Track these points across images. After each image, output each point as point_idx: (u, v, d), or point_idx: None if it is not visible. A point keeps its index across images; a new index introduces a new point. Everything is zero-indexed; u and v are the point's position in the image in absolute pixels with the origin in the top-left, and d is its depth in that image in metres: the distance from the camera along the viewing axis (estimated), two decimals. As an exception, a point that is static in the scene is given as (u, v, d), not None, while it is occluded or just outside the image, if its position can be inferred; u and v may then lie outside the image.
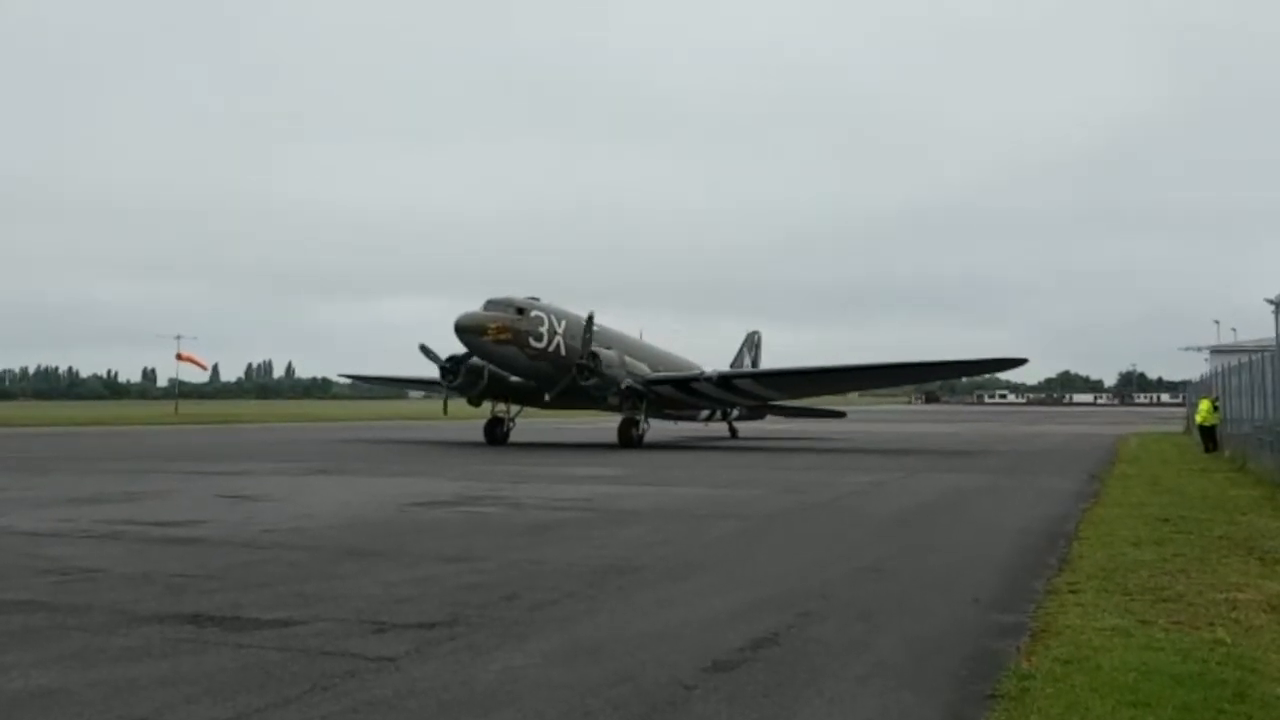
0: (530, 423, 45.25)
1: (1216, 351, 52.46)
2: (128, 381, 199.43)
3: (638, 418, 32.35)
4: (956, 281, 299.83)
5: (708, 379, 33.71)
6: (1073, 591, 8.30)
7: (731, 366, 42.38)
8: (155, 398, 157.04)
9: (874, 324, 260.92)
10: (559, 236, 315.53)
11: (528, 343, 30.88)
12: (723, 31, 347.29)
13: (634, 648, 6.56)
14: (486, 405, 34.07)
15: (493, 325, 30.31)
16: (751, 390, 35.34)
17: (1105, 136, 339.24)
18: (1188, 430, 45.37)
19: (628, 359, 32.38)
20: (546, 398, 32.32)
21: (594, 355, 30.96)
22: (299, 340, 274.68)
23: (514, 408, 34.38)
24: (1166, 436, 41.71)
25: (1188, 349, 61.10)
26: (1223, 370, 30.79)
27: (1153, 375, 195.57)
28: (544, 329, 31.29)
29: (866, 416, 77.46)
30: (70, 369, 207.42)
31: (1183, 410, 59.75)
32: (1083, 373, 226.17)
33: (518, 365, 31.22)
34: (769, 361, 44.82)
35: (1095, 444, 36.38)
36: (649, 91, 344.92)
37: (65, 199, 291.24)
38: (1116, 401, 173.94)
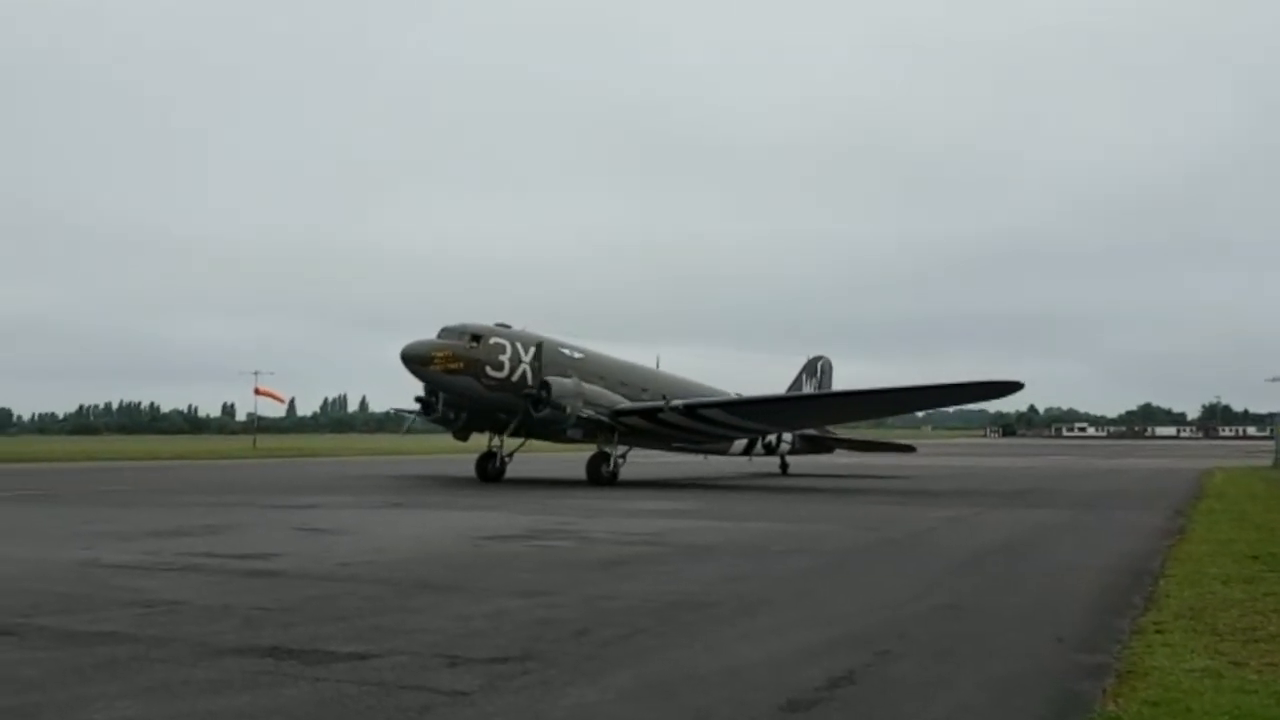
0: (553, 457, 44.26)
1: (1305, 383, 50.86)
2: (207, 416, 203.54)
3: (609, 452, 30.33)
4: (1033, 315, 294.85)
5: (673, 408, 31.04)
6: (1159, 631, 8.05)
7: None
8: (234, 432, 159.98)
9: (947, 357, 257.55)
10: (630, 276, 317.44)
11: (484, 372, 28.98)
12: (789, 74, 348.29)
13: (707, 685, 6.50)
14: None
15: (439, 354, 28.76)
16: (724, 420, 32.59)
17: (1185, 168, 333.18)
18: (1276, 464, 44.01)
19: (588, 388, 29.97)
20: (508, 432, 30.66)
21: (544, 384, 29.07)
22: (374, 375, 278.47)
23: (509, 441, 32.03)
24: (1254, 471, 40.40)
25: (1275, 380, 59.35)
26: (1313, 402, 29.71)
27: (1238, 407, 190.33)
28: (504, 357, 29.43)
29: (940, 450, 76.34)
30: (152, 404, 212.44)
31: (1271, 444, 57.81)
32: (1164, 405, 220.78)
33: (475, 396, 29.43)
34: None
35: (1179, 478, 35.41)
36: (716, 134, 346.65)
37: (147, 239, 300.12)
38: (1200, 435, 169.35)
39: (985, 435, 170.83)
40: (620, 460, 30.87)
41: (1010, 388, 30.24)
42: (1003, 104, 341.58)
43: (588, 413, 29.52)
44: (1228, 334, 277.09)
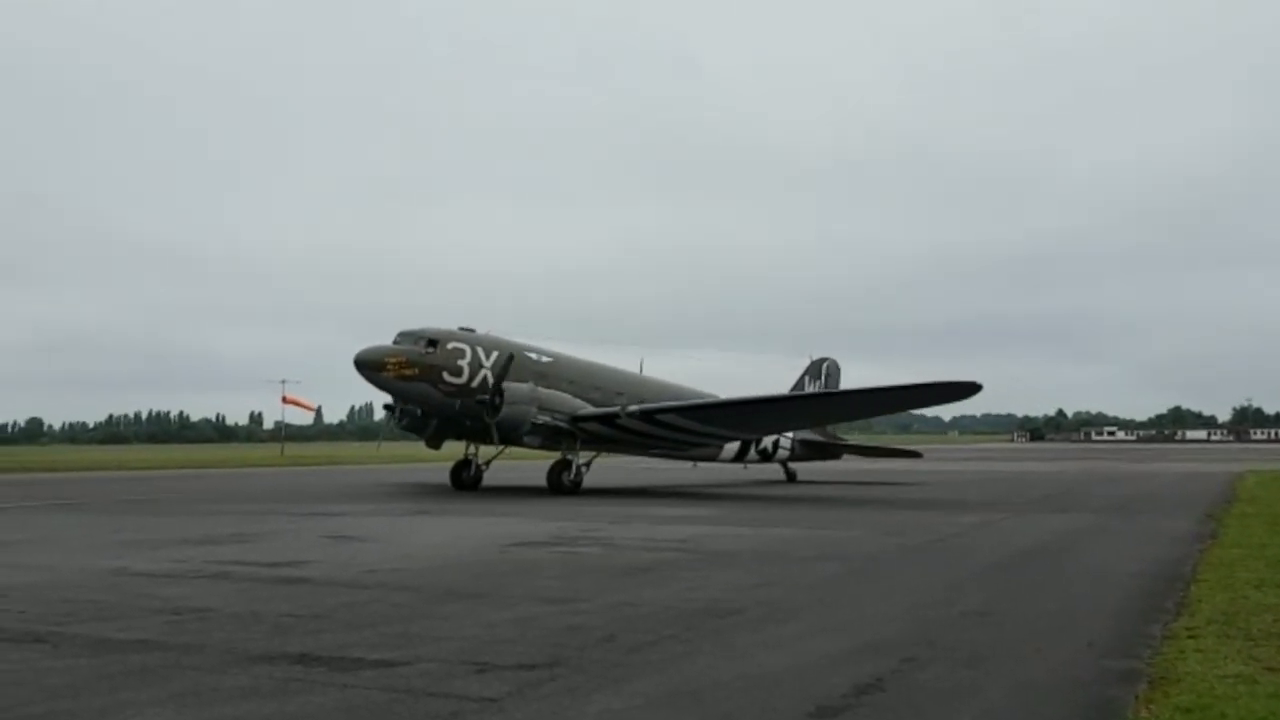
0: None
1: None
2: (235, 424, 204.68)
3: (570, 459, 29.11)
4: (1062, 319, 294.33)
5: (630, 414, 29.67)
6: (1192, 637, 7.97)
7: None
8: (262, 440, 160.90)
9: (976, 361, 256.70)
10: (666, 285, 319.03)
11: (441, 378, 28.11)
12: (798, 77, 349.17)
13: (733, 692, 6.49)
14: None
15: (393, 360, 28.11)
16: (679, 424, 30.85)
17: (1214, 169, 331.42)
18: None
19: (545, 392, 28.72)
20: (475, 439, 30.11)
21: (498, 389, 27.96)
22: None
23: (487, 449, 30.90)
24: (1287, 474, 39.93)
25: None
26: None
27: (1270, 410, 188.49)
28: (464, 362, 28.58)
29: (967, 455, 75.88)
30: (181, 413, 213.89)
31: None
32: (1195, 408, 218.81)
33: (434, 403, 28.77)
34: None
35: (1210, 482, 35.02)
36: (749, 145, 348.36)
37: (174, 251, 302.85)
38: (1231, 438, 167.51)
39: (1013, 439, 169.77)
40: (583, 468, 29.72)
41: (968, 389, 28.68)
42: (1020, 106, 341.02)
43: (543, 419, 28.49)
44: (1258, 336, 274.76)
